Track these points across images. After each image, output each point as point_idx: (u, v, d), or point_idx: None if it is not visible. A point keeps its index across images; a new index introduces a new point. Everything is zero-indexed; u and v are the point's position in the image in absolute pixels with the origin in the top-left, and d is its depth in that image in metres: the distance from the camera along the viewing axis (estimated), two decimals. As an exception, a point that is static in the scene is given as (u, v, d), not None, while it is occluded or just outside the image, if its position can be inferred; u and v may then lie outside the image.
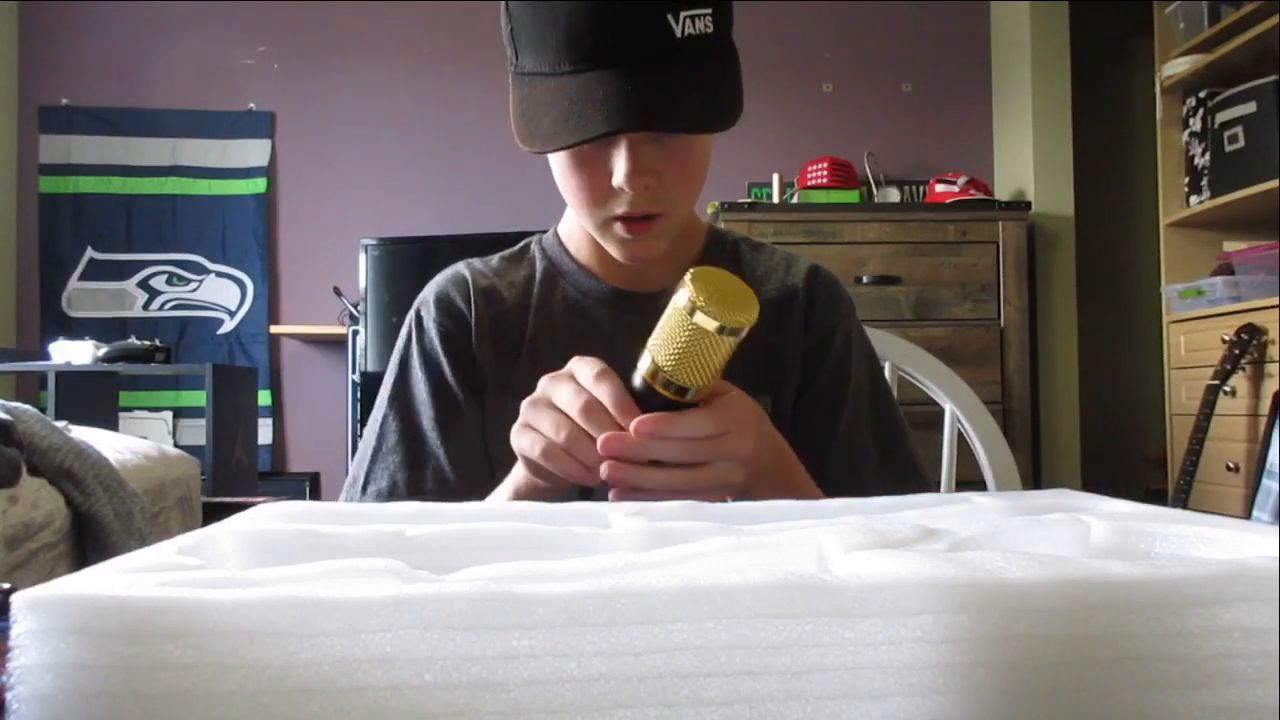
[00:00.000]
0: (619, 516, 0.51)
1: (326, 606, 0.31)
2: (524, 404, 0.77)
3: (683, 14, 0.81)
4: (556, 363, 0.91)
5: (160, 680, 0.29)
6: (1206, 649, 0.33)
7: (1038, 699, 0.33)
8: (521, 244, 1.10)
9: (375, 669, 0.30)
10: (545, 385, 0.76)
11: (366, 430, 1.01)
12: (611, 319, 1.02)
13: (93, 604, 0.30)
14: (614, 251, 0.95)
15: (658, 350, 0.71)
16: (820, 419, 1.01)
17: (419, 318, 1.04)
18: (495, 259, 1.08)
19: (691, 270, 0.70)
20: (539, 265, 1.06)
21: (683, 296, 0.69)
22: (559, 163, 0.91)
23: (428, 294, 1.05)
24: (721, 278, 0.71)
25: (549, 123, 0.84)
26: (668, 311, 0.71)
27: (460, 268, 1.06)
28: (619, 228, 0.91)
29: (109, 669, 0.29)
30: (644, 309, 0.97)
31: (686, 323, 0.68)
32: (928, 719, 0.32)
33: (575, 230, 1.05)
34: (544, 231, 1.10)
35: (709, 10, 0.82)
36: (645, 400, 0.72)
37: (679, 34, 0.81)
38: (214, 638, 0.30)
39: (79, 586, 0.31)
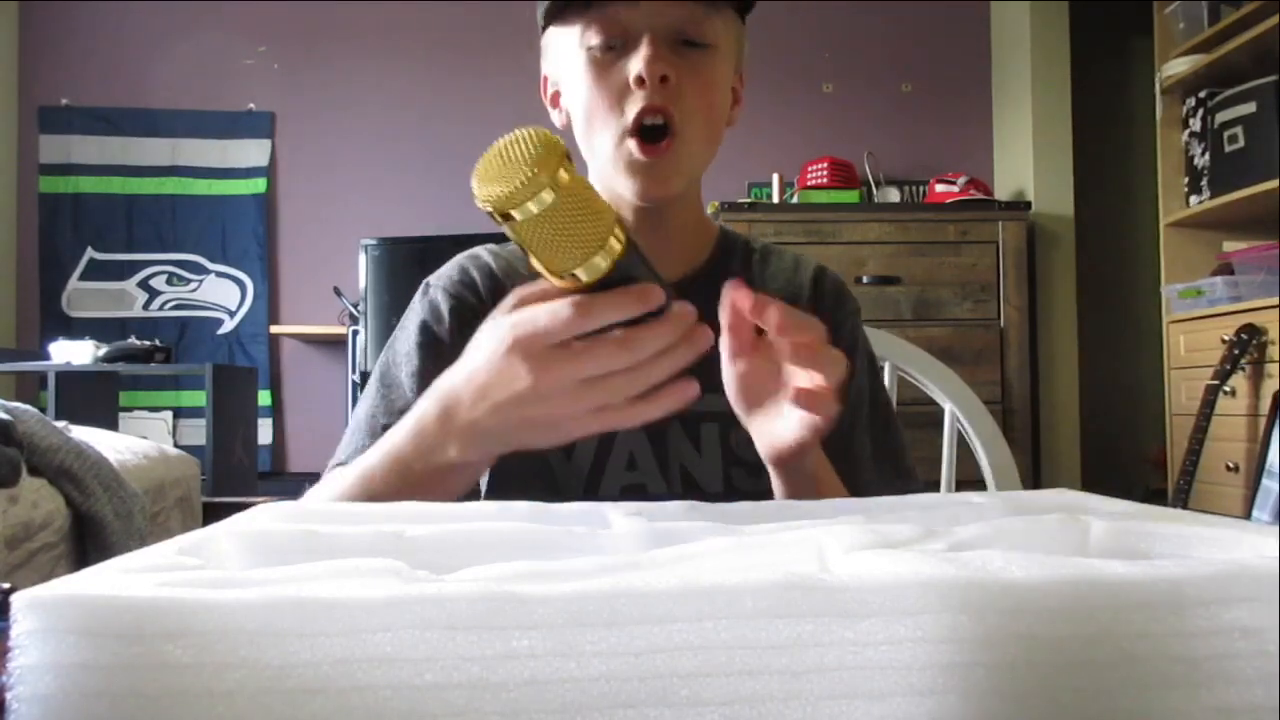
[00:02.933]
0: (619, 516, 0.51)
1: (326, 606, 0.31)
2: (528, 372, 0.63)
3: None
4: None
5: (160, 680, 0.29)
6: (1206, 649, 0.33)
7: (1037, 699, 0.33)
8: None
9: (375, 669, 0.30)
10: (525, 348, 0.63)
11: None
12: None
13: (93, 604, 0.30)
14: (628, 188, 0.92)
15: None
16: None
17: (427, 286, 1.01)
18: (509, 245, 1.05)
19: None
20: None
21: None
22: (577, 81, 0.92)
23: (442, 270, 1.03)
24: (526, 139, 0.57)
25: None
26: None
27: (478, 250, 1.05)
28: (633, 147, 0.89)
29: (109, 669, 0.29)
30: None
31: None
32: (928, 719, 0.32)
33: None
34: None
35: None
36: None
37: None
38: (214, 638, 0.30)
39: (79, 586, 0.31)
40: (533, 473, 0.92)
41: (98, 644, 0.29)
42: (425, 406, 0.69)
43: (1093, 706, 0.33)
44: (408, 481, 0.70)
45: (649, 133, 0.89)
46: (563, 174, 0.56)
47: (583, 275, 0.58)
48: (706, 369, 0.96)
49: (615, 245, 0.58)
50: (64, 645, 0.29)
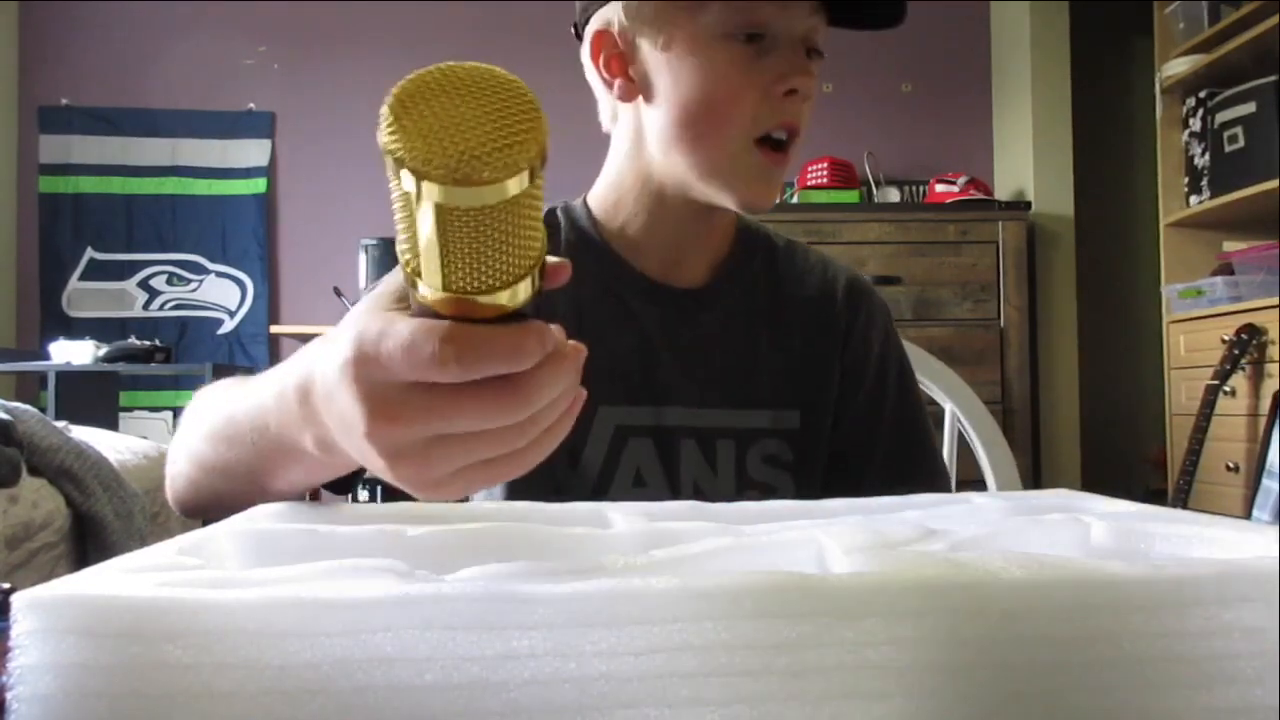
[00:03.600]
0: (619, 517, 0.51)
1: (326, 606, 0.31)
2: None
3: None
4: (579, 340, 0.81)
5: (160, 680, 0.29)
6: (1206, 649, 0.33)
7: (1037, 699, 0.33)
8: (544, 210, 0.96)
9: (376, 669, 0.30)
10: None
11: None
12: (647, 312, 0.93)
13: (93, 604, 0.30)
14: (732, 196, 0.87)
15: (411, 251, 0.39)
16: (858, 442, 0.96)
17: None
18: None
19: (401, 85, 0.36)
20: (564, 234, 0.95)
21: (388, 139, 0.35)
22: (704, 67, 0.85)
23: None
24: (518, 91, 0.37)
25: None
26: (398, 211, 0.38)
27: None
28: (757, 156, 0.85)
29: (109, 669, 0.29)
30: (679, 306, 0.93)
31: (400, 192, 0.37)
32: (927, 719, 0.32)
33: (617, 206, 0.94)
34: (565, 200, 0.99)
35: None
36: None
37: None
38: (214, 638, 0.30)
39: (79, 586, 0.31)
40: (536, 483, 0.85)
41: (98, 644, 0.29)
42: (293, 371, 0.51)
43: (1093, 706, 0.33)
44: (261, 447, 0.56)
45: (773, 142, 0.86)
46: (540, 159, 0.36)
47: (503, 300, 0.38)
48: (726, 383, 0.92)
49: (537, 278, 0.40)
50: (64, 645, 0.29)
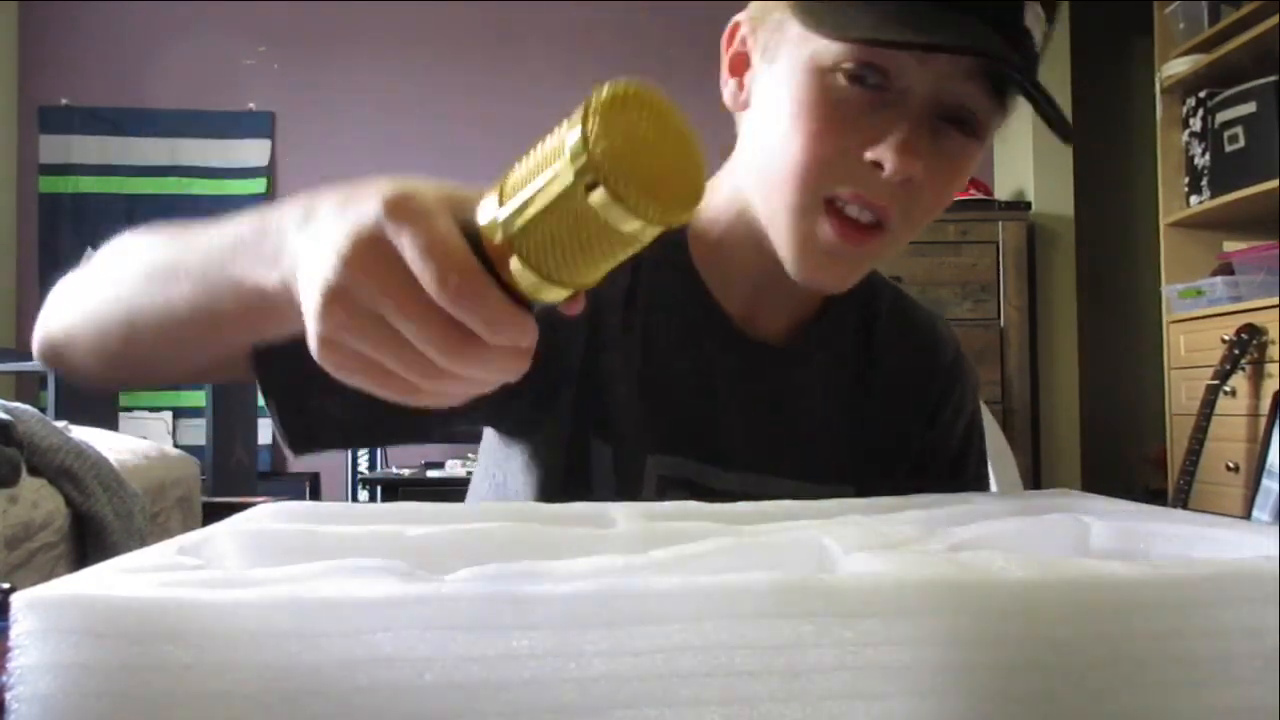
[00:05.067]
0: (620, 517, 0.51)
1: (326, 606, 0.31)
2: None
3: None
4: (640, 380, 0.74)
5: (160, 680, 0.29)
6: (1206, 649, 0.33)
7: (1037, 699, 0.33)
8: None
9: (376, 669, 0.30)
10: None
11: None
12: (718, 358, 0.80)
13: (92, 604, 0.30)
14: (795, 262, 0.71)
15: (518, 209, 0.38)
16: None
17: None
18: None
19: (602, 92, 0.36)
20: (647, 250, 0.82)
21: (575, 144, 0.36)
22: (794, 93, 0.68)
23: None
24: (650, 115, 0.37)
25: (860, 10, 0.63)
26: (544, 151, 0.37)
27: None
28: (827, 229, 0.68)
29: (109, 669, 0.29)
30: (754, 359, 0.80)
31: (571, 193, 0.36)
32: (928, 719, 0.32)
33: (715, 220, 0.79)
34: None
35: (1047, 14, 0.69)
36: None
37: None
38: (214, 638, 0.30)
39: (79, 587, 0.31)
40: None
41: (98, 644, 0.29)
42: (280, 210, 0.50)
43: (1093, 707, 0.33)
44: (211, 283, 0.53)
45: (849, 218, 0.68)
46: None
47: (536, 288, 0.39)
48: (787, 452, 0.78)
49: (568, 298, 0.41)
50: (64, 645, 0.29)
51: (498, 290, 0.39)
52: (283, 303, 0.46)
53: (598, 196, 0.35)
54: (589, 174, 0.35)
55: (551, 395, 0.75)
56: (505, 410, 0.76)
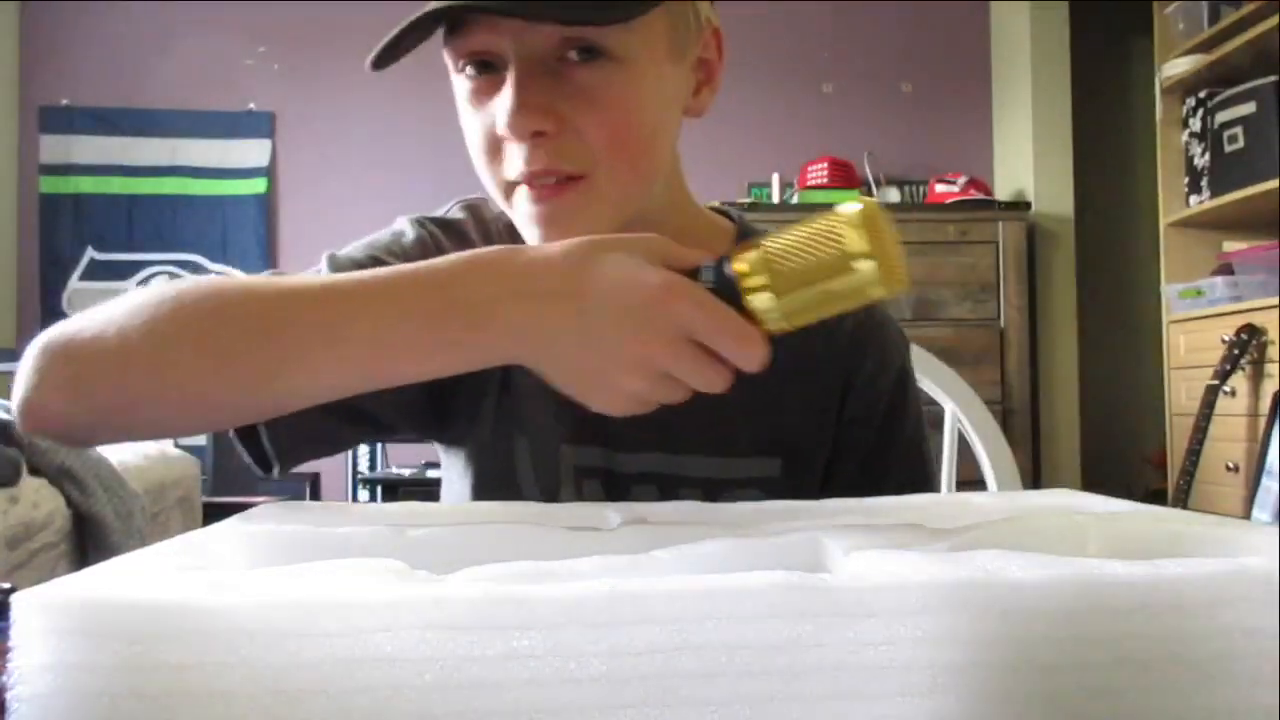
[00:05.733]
0: (619, 517, 0.51)
1: (327, 607, 0.31)
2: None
3: None
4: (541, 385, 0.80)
5: (160, 681, 0.29)
6: (1206, 649, 0.33)
7: (1037, 700, 0.33)
8: (448, 213, 0.89)
9: (375, 669, 0.30)
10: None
11: None
12: None
13: (92, 604, 0.30)
14: (529, 232, 0.74)
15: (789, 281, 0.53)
16: (866, 483, 0.84)
17: (421, 226, 0.86)
18: (432, 223, 0.87)
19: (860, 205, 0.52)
20: (476, 238, 0.85)
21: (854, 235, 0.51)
22: (458, 103, 0.73)
23: (441, 221, 0.86)
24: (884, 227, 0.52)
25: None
26: (817, 231, 0.52)
27: (480, 208, 0.87)
28: (522, 196, 0.72)
29: (109, 669, 0.29)
30: None
31: (846, 264, 0.51)
32: (927, 719, 0.32)
33: None
34: (470, 197, 0.89)
35: None
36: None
37: None
38: (213, 638, 0.30)
39: (79, 587, 0.31)
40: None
41: (98, 644, 0.29)
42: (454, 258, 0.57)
43: (1092, 707, 0.33)
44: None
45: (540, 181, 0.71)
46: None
47: (782, 324, 0.54)
48: (693, 426, 0.78)
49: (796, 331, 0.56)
50: (64, 646, 0.29)
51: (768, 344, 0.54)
52: (475, 361, 0.57)
53: (866, 267, 0.50)
54: (860, 256, 0.50)
55: (474, 411, 0.82)
56: (429, 429, 0.85)
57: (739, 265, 0.53)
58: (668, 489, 0.82)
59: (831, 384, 0.87)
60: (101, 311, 0.62)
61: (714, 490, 0.81)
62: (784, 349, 0.84)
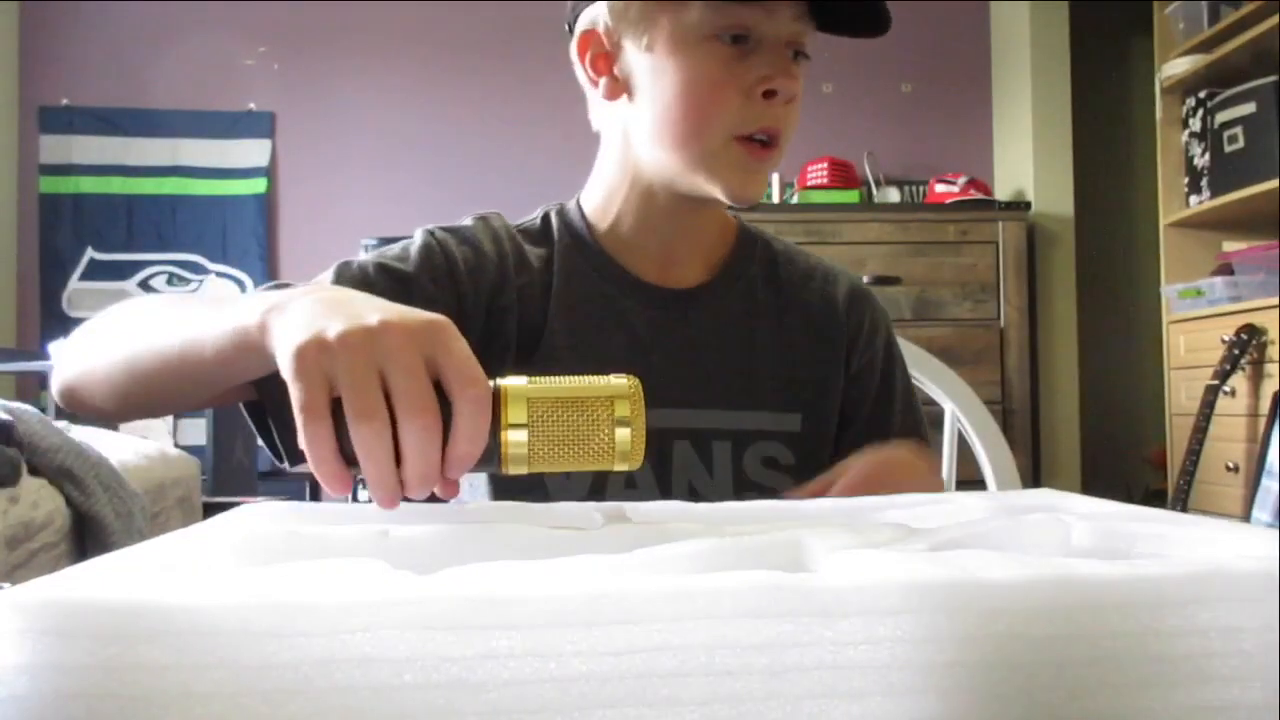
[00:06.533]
0: (604, 517, 0.51)
1: (305, 607, 0.31)
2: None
3: None
4: (575, 354, 0.87)
5: (137, 681, 0.29)
6: (1184, 648, 0.33)
7: (1016, 698, 0.33)
8: (539, 215, 0.98)
9: (354, 669, 0.30)
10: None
11: None
12: (638, 312, 0.93)
13: (68, 605, 0.30)
14: (720, 188, 0.87)
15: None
16: (864, 441, 0.93)
17: (430, 234, 0.93)
18: (513, 226, 0.96)
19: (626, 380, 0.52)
20: (558, 241, 0.95)
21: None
22: (687, 67, 0.85)
23: (452, 228, 0.94)
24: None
25: None
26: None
27: (491, 219, 0.95)
28: (739, 151, 0.86)
29: (86, 670, 0.29)
30: (672, 306, 0.93)
31: (605, 416, 0.51)
32: (907, 718, 0.32)
33: (606, 208, 0.95)
34: (560, 202, 0.99)
35: None
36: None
37: None
38: (192, 638, 0.30)
39: (55, 588, 0.31)
40: (525, 488, 0.86)
41: (75, 645, 0.29)
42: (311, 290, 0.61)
43: (1071, 706, 0.33)
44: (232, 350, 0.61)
45: (756, 141, 0.87)
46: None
47: (513, 468, 0.51)
48: (721, 383, 0.92)
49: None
50: (41, 646, 0.29)
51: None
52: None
53: (622, 432, 0.50)
54: (622, 414, 0.50)
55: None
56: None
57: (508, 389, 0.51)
58: (701, 443, 0.90)
59: (837, 343, 0.98)
60: (102, 328, 0.76)
61: (742, 442, 0.91)
62: (794, 310, 0.97)
